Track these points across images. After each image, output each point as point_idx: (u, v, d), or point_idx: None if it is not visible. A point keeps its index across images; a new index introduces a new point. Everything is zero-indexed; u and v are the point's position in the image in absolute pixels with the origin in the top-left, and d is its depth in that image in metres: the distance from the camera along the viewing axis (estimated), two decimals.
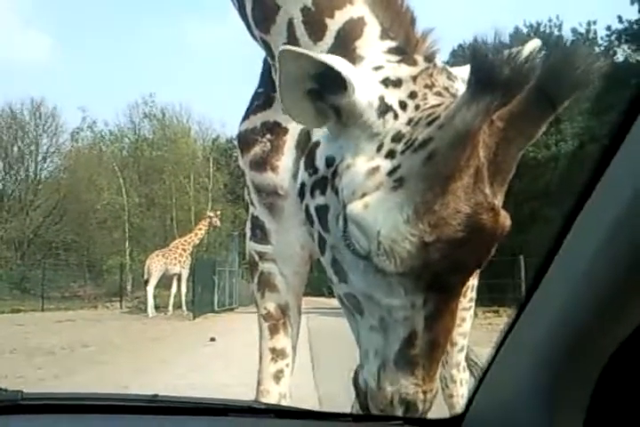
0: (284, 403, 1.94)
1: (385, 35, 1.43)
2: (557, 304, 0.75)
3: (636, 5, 20.42)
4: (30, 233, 28.88)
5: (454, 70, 1.44)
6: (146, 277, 17.27)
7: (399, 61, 1.36)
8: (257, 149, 1.98)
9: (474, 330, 2.74)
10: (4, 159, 30.22)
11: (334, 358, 6.28)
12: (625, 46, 21.99)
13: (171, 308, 17.40)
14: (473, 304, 2.64)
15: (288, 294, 2.01)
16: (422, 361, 1.26)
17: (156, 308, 16.97)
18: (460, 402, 2.67)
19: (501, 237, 1.24)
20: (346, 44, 1.42)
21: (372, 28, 1.43)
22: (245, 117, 2.06)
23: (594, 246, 0.67)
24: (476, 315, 2.72)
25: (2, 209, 28.73)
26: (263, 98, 2.02)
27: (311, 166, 1.44)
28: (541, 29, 26.55)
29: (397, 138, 1.24)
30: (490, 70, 1.06)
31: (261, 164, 1.97)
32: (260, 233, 2.04)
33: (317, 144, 1.45)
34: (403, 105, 1.28)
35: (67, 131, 31.51)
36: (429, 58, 1.37)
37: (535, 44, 1.32)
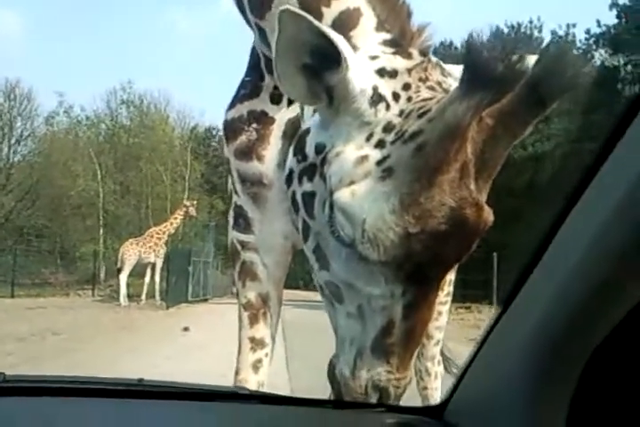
0: None
1: (381, 26, 1.43)
2: (543, 300, 0.77)
3: (614, 10, 20.81)
4: (1, 218, 28.38)
5: (448, 67, 1.45)
6: (119, 265, 17.11)
7: (394, 53, 1.37)
8: (243, 138, 1.98)
9: (447, 325, 2.76)
10: None
11: (308, 349, 6.33)
12: (602, 50, 22.37)
13: (144, 297, 17.26)
14: (450, 299, 2.68)
15: (269, 284, 2.02)
16: (398, 350, 1.29)
17: (129, 297, 16.81)
18: (434, 395, 2.71)
19: (484, 231, 1.26)
20: (341, 33, 1.43)
21: (368, 19, 1.44)
22: (232, 106, 2.05)
23: (583, 244, 0.69)
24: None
25: None
26: (250, 86, 2.01)
27: (300, 153, 1.45)
28: (522, 30, 26.81)
29: (388, 128, 1.25)
30: (483, 67, 1.07)
31: (247, 153, 1.97)
32: (244, 222, 2.04)
33: (307, 131, 1.45)
34: (396, 96, 1.29)
35: (42, 114, 30.99)
36: (424, 52, 1.39)
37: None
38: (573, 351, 0.75)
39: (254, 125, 1.97)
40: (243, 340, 2.00)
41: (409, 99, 1.28)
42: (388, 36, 1.42)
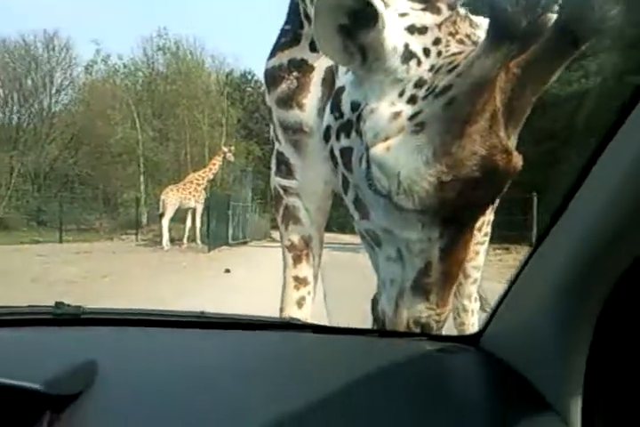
0: None
1: None
2: (571, 238, 0.82)
3: None
4: (46, 166, 29.03)
5: (476, 19, 1.47)
6: (161, 210, 17.44)
7: (423, 10, 1.39)
8: (284, 87, 2.01)
9: (484, 266, 2.80)
10: (19, 91, 29.92)
11: (344, 288, 6.51)
12: None
13: (185, 241, 17.69)
14: (487, 239, 2.73)
15: (311, 228, 2.10)
16: (436, 289, 1.37)
17: (171, 241, 17.22)
18: (471, 330, 2.80)
19: (513, 176, 1.31)
20: None
21: None
22: (272, 54, 2.07)
23: (610, 185, 0.72)
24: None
25: (18, 142, 28.66)
26: (290, 35, 2.02)
27: (337, 110, 1.50)
28: None
29: (419, 84, 1.29)
30: (507, 23, 1.09)
31: (288, 101, 2.01)
32: (285, 168, 2.10)
33: (342, 89, 1.50)
34: (426, 52, 1.32)
35: (80, 64, 31.12)
36: (452, 6, 1.40)
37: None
38: (601, 276, 0.78)
39: (294, 74, 1.99)
40: (287, 279, 2.08)
41: (439, 53, 1.32)
42: None
